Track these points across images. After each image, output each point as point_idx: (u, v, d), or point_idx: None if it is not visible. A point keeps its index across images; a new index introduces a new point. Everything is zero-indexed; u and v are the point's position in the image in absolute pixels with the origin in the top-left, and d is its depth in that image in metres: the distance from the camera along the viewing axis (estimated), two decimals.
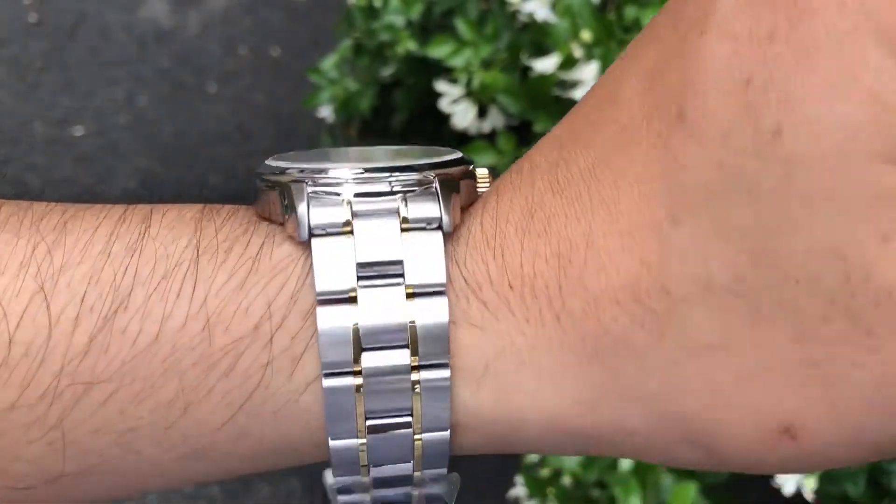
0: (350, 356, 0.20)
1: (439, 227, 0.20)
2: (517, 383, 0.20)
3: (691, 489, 0.64)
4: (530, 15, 0.74)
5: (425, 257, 0.20)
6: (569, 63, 0.73)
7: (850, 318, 0.17)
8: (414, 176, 0.21)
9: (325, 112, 1.00)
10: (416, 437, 0.21)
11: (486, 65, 0.78)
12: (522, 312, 0.20)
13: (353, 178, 0.21)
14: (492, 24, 0.78)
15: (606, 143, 0.20)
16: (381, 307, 0.20)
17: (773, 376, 0.18)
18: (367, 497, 0.22)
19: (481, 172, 0.22)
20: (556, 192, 0.20)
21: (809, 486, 0.74)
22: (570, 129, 0.21)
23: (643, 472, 0.67)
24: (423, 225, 0.21)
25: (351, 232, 0.20)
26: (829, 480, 0.75)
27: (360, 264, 0.20)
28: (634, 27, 0.73)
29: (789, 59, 0.17)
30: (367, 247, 0.20)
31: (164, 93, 1.76)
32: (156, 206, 0.22)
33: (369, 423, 0.21)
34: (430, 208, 0.21)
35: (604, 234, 0.19)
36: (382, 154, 0.23)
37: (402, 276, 0.20)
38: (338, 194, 0.21)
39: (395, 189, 0.21)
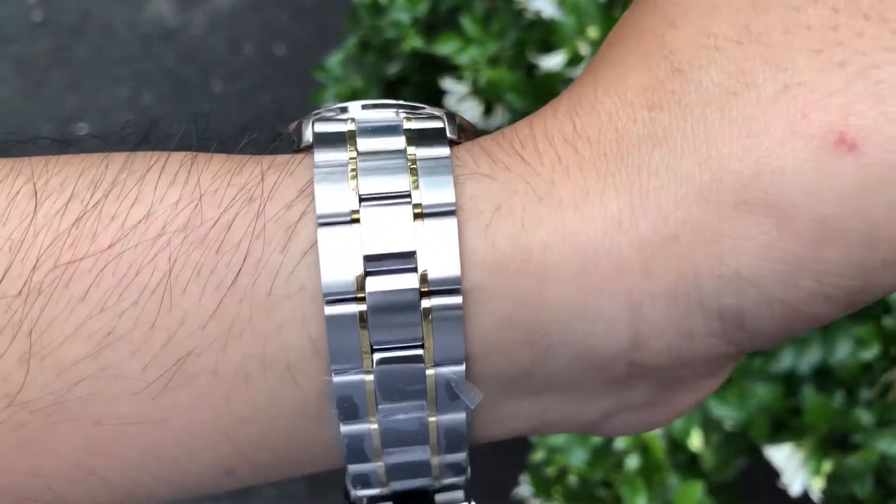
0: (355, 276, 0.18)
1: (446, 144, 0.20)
2: (536, 218, 0.18)
3: (697, 488, 0.64)
4: (537, 12, 0.74)
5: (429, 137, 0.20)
6: (575, 60, 0.72)
7: (860, 14, 0.16)
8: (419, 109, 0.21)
9: None
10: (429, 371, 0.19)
11: (493, 62, 0.78)
12: (535, 159, 0.19)
13: (360, 108, 0.21)
14: (498, 22, 0.78)
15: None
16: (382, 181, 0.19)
17: (807, 90, 0.17)
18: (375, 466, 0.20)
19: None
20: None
21: (816, 486, 0.74)
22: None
23: (649, 472, 0.66)
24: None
25: (354, 143, 0.20)
26: (836, 481, 0.75)
27: (360, 153, 0.20)
28: None
29: None
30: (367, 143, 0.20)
31: (169, 91, 1.76)
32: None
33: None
34: (435, 123, 0.20)
35: (606, 62, 0.19)
36: None
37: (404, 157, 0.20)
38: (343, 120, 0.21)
39: (400, 115, 0.21)
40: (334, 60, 0.92)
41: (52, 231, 0.18)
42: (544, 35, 0.75)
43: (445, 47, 0.78)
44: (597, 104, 0.19)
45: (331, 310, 0.18)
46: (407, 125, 0.20)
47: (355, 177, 0.19)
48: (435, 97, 0.82)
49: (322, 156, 0.19)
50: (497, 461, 1.22)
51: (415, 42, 0.81)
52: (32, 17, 1.74)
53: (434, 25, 0.83)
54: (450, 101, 0.81)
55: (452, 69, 0.82)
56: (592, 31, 0.72)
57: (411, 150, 0.20)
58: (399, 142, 0.20)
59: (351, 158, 0.19)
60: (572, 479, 0.69)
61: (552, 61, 0.72)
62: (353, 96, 0.92)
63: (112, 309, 0.18)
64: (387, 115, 0.21)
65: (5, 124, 1.61)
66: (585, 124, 0.19)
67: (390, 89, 0.91)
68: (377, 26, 0.82)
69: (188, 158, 0.20)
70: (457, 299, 0.18)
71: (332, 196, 0.19)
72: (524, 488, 0.72)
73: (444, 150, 0.19)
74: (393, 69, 0.88)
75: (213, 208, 0.19)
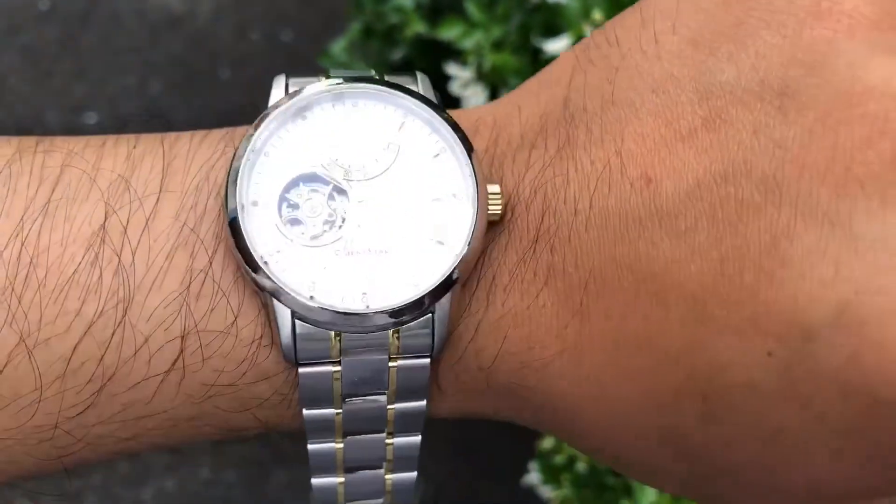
0: None
1: None
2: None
3: None
4: None
5: None
6: None
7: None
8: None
9: None
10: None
11: (497, 46, 0.77)
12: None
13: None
14: (502, 6, 0.77)
15: None
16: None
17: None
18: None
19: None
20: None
21: None
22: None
23: None
24: None
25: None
26: None
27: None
28: None
29: None
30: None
31: (177, 79, 1.75)
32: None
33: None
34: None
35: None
36: None
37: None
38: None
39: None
40: (338, 47, 0.91)
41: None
42: (549, 19, 0.74)
43: (449, 32, 0.77)
44: None
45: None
46: None
47: None
48: (440, 82, 0.81)
49: None
50: (505, 449, 1.22)
51: (418, 27, 0.80)
52: (40, 6, 1.73)
53: (438, 10, 0.82)
54: (454, 87, 0.80)
55: (456, 54, 0.81)
56: (597, 14, 0.70)
57: None
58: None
59: None
60: (581, 467, 0.68)
61: (557, 45, 0.71)
62: None
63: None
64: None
65: (14, 114, 1.61)
66: None
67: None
68: (380, 12, 0.81)
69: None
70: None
71: None
72: (533, 476, 0.72)
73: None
74: (397, 55, 0.87)
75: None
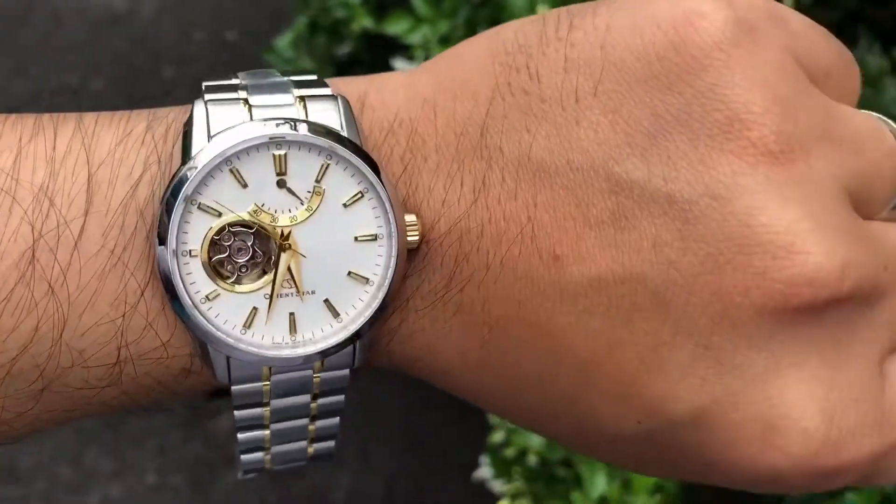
0: None
1: None
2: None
3: None
4: None
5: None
6: None
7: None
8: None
9: None
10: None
11: (444, 41, 0.77)
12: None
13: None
14: (449, 0, 0.76)
15: None
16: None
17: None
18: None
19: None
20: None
21: None
22: None
23: None
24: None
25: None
26: None
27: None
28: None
29: None
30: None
31: (120, 77, 1.72)
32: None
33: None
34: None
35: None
36: None
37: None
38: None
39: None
40: (283, 42, 0.90)
41: None
42: (495, 13, 0.74)
43: (396, 27, 0.77)
44: None
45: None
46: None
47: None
48: None
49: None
50: (456, 443, 1.22)
51: (365, 22, 0.80)
52: None
53: (384, 5, 0.82)
54: None
55: (403, 49, 0.81)
56: (543, 9, 0.71)
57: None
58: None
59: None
60: (532, 460, 0.68)
61: None
62: None
63: None
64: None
65: None
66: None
67: (342, 70, 0.90)
68: (326, 6, 0.81)
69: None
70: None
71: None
72: (484, 470, 0.72)
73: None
74: (343, 50, 0.87)
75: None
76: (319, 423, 0.24)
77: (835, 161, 0.21)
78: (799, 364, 0.20)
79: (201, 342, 0.21)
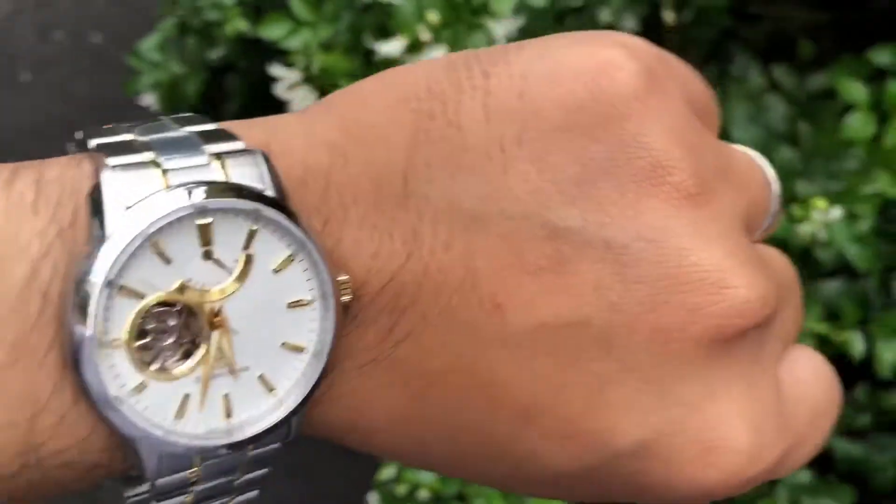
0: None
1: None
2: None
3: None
4: None
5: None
6: (416, 47, 0.67)
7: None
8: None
9: (149, 100, 0.90)
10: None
11: (326, 48, 0.72)
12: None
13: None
14: (331, 4, 0.72)
15: None
16: None
17: None
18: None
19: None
20: None
21: None
22: None
23: None
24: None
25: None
26: None
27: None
28: (483, 10, 0.68)
29: None
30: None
31: None
32: None
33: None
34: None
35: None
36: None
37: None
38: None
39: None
40: (149, 45, 0.83)
41: None
42: (380, 19, 0.70)
43: (273, 31, 0.71)
44: None
45: None
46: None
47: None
48: (263, 84, 0.75)
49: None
50: (341, 475, 1.17)
51: (239, 25, 0.74)
52: None
53: (261, 7, 0.76)
54: (279, 89, 0.75)
55: (282, 55, 0.75)
56: (432, 16, 0.67)
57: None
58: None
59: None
60: (423, 495, 0.64)
61: (391, 47, 0.67)
62: (174, 84, 0.83)
63: None
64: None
65: None
66: None
67: (215, 76, 0.83)
68: (197, 7, 0.74)
69: None
70: None
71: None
72: None
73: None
74: (216, 54, 0.80)
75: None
76: (240, 498, 0.22)
77: (733, 197, 0.22)
78: (729, 387, 0.21)
79: (127, 438, 0.19)
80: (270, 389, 0.20)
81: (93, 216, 0.18)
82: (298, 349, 0.20)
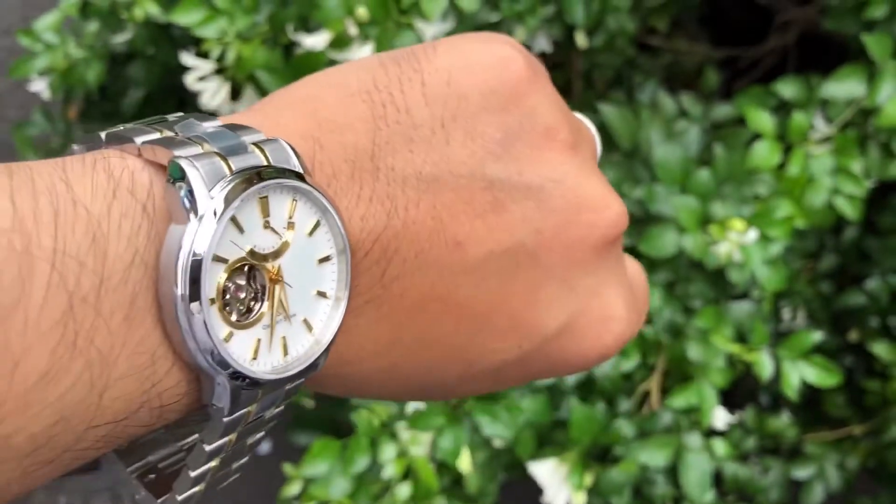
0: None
1: None
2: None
3: None
4: None
5: None
6: (342, 42, 0.65)
7: None
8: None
9: (40, 86, 0.84)
10: None
11: (244, 39, 0.68)
12: None
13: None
14: None
15: None
16: None
17: None
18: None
19: None
20: None
21: (578, 500, 0.72)
22: None
23: (419, 499, 0.60)
24: None
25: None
26: (597, 493, 0.73)
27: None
28: (413, 9, 0.66)
29: None
30: None
31: None
32: None
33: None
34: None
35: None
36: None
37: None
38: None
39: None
40: (45, 23, 0.77)
41: None
42: (305, 11, 0.67)
43: (187, 17, 0.67)
44: None
45: None
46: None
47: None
48: (173, 73, 0.71)
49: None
50: (241, 498, 1.10)
51: (150, 7, 0.69)
52: None
53: None
54: (190, 80, 0.70)
55: (195, 43, 0.71)
56: (361, 11, 0.64)
57: None
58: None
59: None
60: None
61: (316, 40, 0.64)
62: (71, 69, 0.77)
63: None
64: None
65: None
66: None
67: (117, 63, 0.78)
68: None
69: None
70: None
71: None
72: None
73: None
74: (121, 39, 0.75)
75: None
76: (257, 436, 0.26)
77: (588, 146, 0.30)
78: (610, 277, 0.29)
79: (211, 380, 0.23)
80: (311, 330, 0.25)
81: (182, 199, 0.22)
82: (325, 295, 0.25)
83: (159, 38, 0.74)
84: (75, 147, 0.24)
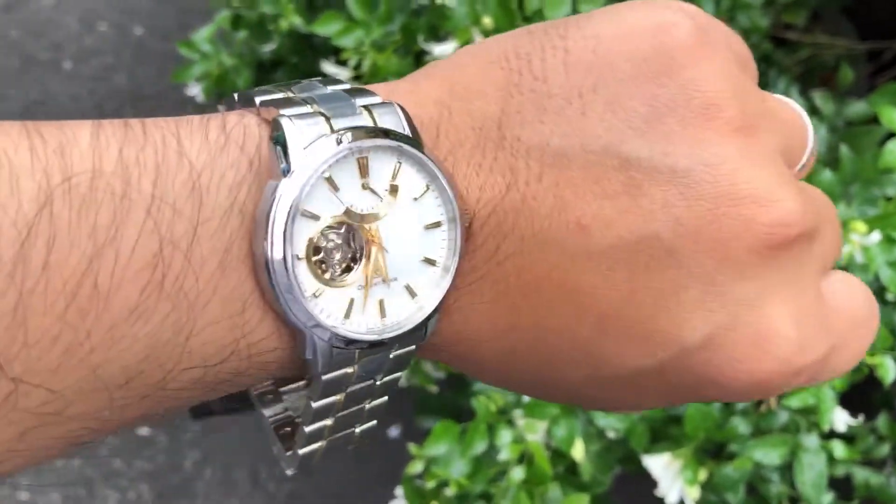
0: None
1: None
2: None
3: (583, 501, 0.62)
4: None
5: None
6: None
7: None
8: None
9: (195, 90, 0.92)
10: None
11: (379, 48, 0.73)
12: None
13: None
14: (385, 4, 0.73)
15: None
16: None
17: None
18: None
19: None
20: None
21: (692, 495, 0.73)
22: None
23: (532, 483, 0.63)
24: None
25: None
26: (710, 489, 0.74)
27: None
28: (536, 16, 0.69)
29: None
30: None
31: (13, 66, 1.62)
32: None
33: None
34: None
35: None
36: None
37: None
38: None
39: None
40: (202, 34, 0.84)
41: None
42: (435, 21, 0.71)
43: (327, 28, 0.73)
44: None
45: None
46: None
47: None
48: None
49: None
50: (373, 473, 1.17)
51: (294, 20, 0.75)
52: None
53: (315, 3, 0.77)
54: None
55: (334, 52, 0.76)
56: (487, 20, 0.68)
57: None
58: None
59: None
60: (450, 492, 0.65)
61: (445, 48, 0.68)
62: (223, 76, 0.85)
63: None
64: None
65: None
66: None
67: (264, 71, 0.85)
68: (253, 0, 0.76)
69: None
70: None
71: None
72: (398, 502, 0.68)
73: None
74: (268, 48, 0.82)
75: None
76: (375, 402, 0.27)
77: (774, 134, 0.26)
78: (779, 288, 0.25)
79: (303, 336, 0.23)
80: (413, 296, 0.24)
81: (278, 155, 0.22)
82: (432, 263, 0.24)
83: (302, 48, 0.80)
84: (220, 108, 0.25)
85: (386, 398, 0.27)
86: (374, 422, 0.27)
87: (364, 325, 0.24)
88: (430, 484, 0.65)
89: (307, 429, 0.25)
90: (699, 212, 0.24)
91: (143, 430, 1.26)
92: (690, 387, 0.26)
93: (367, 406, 0.26)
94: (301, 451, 0.26)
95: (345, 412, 0.26)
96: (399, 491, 0.68)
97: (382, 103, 0.24)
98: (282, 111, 0.23)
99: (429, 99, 0.25)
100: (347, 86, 0.25)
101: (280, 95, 0.24)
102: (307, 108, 0.23)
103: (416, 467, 0.67)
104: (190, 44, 0.84)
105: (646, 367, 0.25)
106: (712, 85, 0.25)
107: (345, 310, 0.23)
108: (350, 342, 0.23)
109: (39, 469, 1.15)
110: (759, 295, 0.24)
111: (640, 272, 0.24)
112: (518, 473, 0.64)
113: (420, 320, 0.24)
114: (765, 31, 1.09)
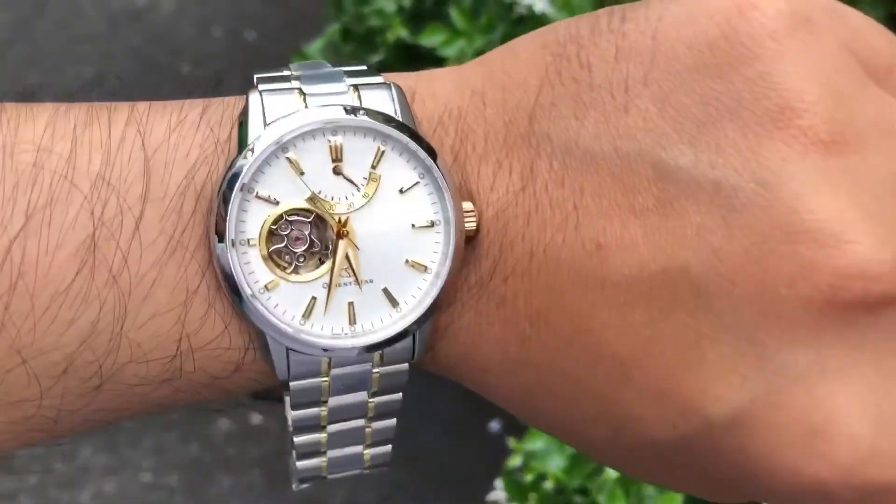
0: None
1: None
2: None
3: (675, 499, 0.63)
4: (528, 6, 0.72)
5: None
6: None
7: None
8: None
9: None
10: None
11: (480, 56, 0.76)
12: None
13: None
14: (486, 15, 0.76)
15: None
16: None
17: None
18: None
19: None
20: None
21: None
22: None
23: (628, 481, 0.65)
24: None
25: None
26: None
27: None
28: None
29: None
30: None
31: (136, 71, 1.72)
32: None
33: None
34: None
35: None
36: None
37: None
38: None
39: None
40: (315, 47, 0.89)
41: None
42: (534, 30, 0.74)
43: (432, 39, 0.76)
44: None
45: None
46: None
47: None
48: None
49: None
50: (472, 465, 1.20)
51: (400, 31, 0.79)
52: None
53: (420, 15, 0.81)
54: None
55: (436, 61, 0.80)
56: None
57: None
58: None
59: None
60: (549, 486, 0.67)
61: None
62: None
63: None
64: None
65: None
66: None
67: None
68: (361, 14, 0.80)
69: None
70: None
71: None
72: (498, 493, 0.71)
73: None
74: (375, 59, 0.86)
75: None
76: (376, 424, 0.24)
77: (888, 156, 0.20)
78: (849, 367, 0.18)
79: (259, 334, 0.21)
80: (395, 304, 0.21)
81: (239, 132, 0.21)
82: (422, 268, 0.21)
83: (407, 58, 0.83)
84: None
85: (394, 420, 0.24)
86: (388, 447, 0.24)
87: (328, 329, 0.21)
88: (529, 477, 0.68)
89: (296, 439, 0.23)
90: (743, 244, 0.19)
91: (256, 419, 1.32)
92: (726, 479, 0.20)
93: (370, 427, 0.24)
94: (298, 464, 0.24)
95: (336, 428, 0.23)
96: (499, 483, 0.71)
97: (376, 84, 0.22)
98: (260, 87, 0.21)
99: (467, 86, 0.22)
100: (360, 67, 0.23)
101: (277, 73, 0.22)
102: (285, 85, 0.22)
103: (515, 461, 0.70)
104: (302, 55, 0.89)
105: (668, 441, 0.20)
106: (793, 83, 0.19)
107: (304, 309, 0.21)
108: (309, 346, 0.21)
109: (160, 453, 1.22)
110: (814, 368, 0.18)
111: (661, 315, 0.19)
112: (612, 471, 0.66)
113: (399, 330, 0.21)
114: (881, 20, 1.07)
